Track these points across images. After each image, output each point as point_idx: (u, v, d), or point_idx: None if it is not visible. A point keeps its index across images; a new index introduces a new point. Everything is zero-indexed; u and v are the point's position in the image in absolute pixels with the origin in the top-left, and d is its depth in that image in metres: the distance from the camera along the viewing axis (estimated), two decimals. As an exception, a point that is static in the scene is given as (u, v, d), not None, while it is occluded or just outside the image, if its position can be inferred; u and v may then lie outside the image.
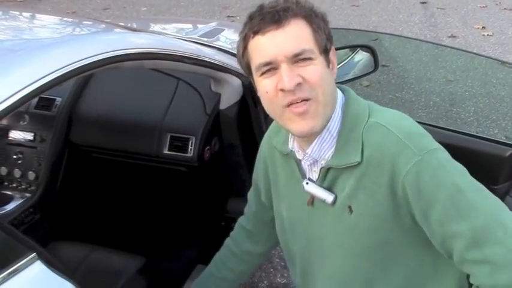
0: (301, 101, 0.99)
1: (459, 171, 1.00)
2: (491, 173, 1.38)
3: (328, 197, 1.07)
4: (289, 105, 0.99)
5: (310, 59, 0.99)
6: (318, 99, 0.99)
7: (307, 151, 1.08)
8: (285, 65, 0.98)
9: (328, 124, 1.05)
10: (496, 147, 1.38)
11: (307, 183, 1.11)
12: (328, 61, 1.04)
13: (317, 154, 1.08)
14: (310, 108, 0.99)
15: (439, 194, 0.95)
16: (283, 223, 1.25)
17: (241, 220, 1.48)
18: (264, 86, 1.02)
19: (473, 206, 0.95)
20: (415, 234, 1.02)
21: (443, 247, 0.99)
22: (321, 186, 1.09)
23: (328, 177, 1.08)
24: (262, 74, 1.01)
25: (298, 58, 0.98)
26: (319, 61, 1.00)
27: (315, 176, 1.12)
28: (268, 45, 0.99)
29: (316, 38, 1.00)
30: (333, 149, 1.06)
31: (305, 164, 1.13)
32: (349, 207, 1.05)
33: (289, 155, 1.16)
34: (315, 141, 1.06)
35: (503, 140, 1.53)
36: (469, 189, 0.97)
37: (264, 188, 1.32)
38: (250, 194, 1.43)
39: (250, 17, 1.03)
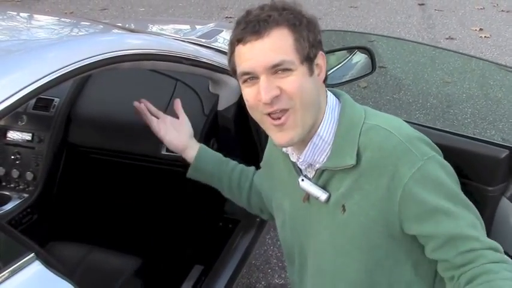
0: (280, 111, 1.01)
1: (453, 178, 1.06)
2: (486, 175, 1.38)
3: (322, 195, 1.09)
4: (268, 114, 1.02)
5: (289, 69, 1.00)
6: (295, 108, 1.01)
7: (300, 157, 1.10)
8: (264, 77, 0.99)
9: (319, 130, 1.06)
10: (491, 149, 1.38)
11: (302, 179, 1.13)
12: (311, 69, 1.03)
13: (311, 159, 1.09)
14: (287, 120, 1.01)
15: (438, 197, 1.00)
16: (285, 218, 1.26)
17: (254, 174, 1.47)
18: (246, 94, 1.05)
19: (460, 214, 1.01)
20: (401, 243, 1.05)
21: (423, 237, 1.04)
22: (315, 184, 1.11)
23: (323, 177, 1.10)
24: (244, 81, 1.04)
25: (277, 69, 0.99)
26: (299, 71, 1.01)
27: (310, 174, 1.14)
28: (248, 55, 1.01)
29: (297, 48, 1.01)
30: (327, 153, 1.08)
31: (300, 165, 1.15)
32: (343, 206, 1.07)
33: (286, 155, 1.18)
34: (307, 147, 1.07)
35: (499, 141, 1.53)
36: (459, 196, 1.04)
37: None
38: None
39: (237, 23, 1.05)
